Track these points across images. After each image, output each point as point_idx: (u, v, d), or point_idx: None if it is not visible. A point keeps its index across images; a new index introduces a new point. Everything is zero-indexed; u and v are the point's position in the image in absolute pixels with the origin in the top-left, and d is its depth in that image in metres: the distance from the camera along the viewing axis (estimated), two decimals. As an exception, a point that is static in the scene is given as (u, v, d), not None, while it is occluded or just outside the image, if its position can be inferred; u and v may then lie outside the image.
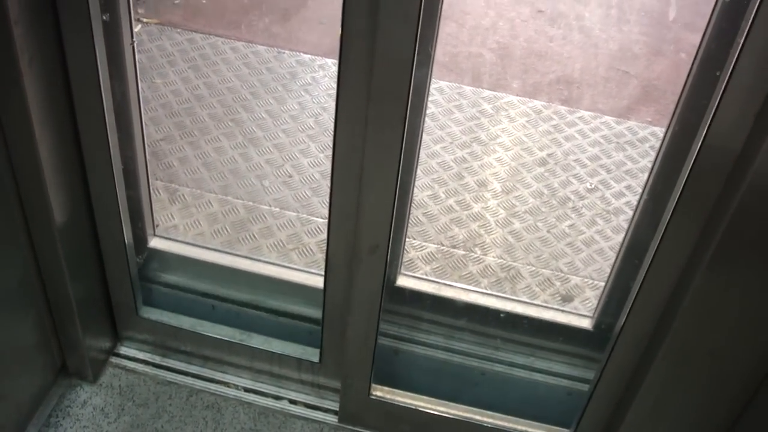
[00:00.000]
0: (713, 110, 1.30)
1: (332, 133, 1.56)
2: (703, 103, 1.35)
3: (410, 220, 1.98)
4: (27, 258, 1.76)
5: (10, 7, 1.39)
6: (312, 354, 2.00)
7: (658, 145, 1.53)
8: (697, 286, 1.44)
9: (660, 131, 3.11)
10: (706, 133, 1.32)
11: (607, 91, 3.41)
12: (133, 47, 1.71)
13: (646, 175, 1.59)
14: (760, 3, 1.17)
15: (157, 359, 2.11)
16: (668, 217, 1.45)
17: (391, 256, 1.71)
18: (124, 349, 2.14)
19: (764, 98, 1.26)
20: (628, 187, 2.86)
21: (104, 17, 1.58)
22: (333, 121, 1.53)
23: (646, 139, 3.11)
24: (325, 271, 1.79)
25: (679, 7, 4.16)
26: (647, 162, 2.97)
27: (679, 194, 1.41)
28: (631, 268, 1.69)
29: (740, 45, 1.22)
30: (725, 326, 1.49)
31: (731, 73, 1.25)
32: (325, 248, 1.76)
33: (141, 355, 2.12)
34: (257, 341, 2.04)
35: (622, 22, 3.94)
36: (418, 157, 1.74)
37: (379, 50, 1.39)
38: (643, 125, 3.19)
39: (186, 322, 2.06)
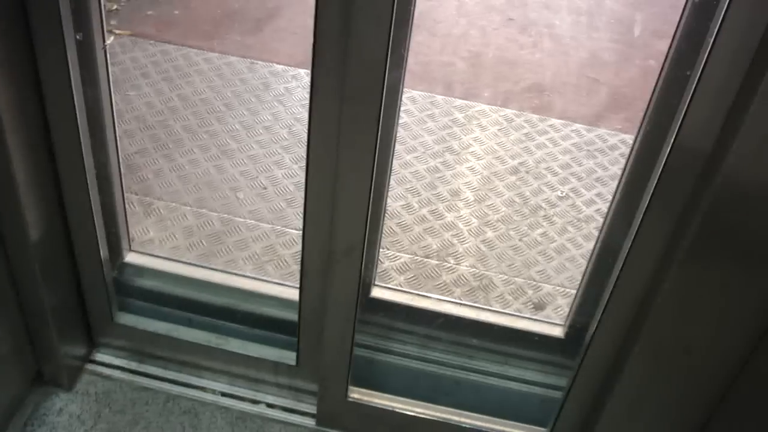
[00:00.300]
0: (684, 110, 1.33)
1: (306, 144, 1.58)
2: (674, 103, 1.38)
3: (384, 231, 2.01)
4: (0, 266, 1.77)
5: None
6: (289, 357, 2.01)
7: (627, 152, 1.57)
8: (669, 285, 1.47)
9: (629, 138, 3.16)
10: (677, 133, 1.35)
11: (577, 98, 3.45)
12: (105, 53, 1.71)
13: (615, 182, 1.63)
14: (729, 2, 1.21)
15: (134, 365, 2.12)
16: (641, 216, 1.48)
17: (366, 258, 1.72)
18: (99, 356, 2.14)
19: (735, 97, 1.29)
20: (599, 195, 2.90)
21: (77, 36, 1.60)
22: (306, 131, 1.56)
23: (615, 146, 3.15)
24: (301, 274, 1.80)
25: (648, 15, 4.21)
26: (617, 169, 3.01)
27: (651, 194, 1.44)
28: (602, 275, 1.72)
29: (710, 44, 1.25)
30: (699, 324, 1.52)
31: (701, 72, 1.28)
32: (300, 260, 1.78)
33: (117, 362, 2.13)
34: (234, 345, 2.05)
35: (591, 29, 3.99)
36: (393, 157, 1.75)
37: (353, 51, 1.41)
38: (613, 132, 3.24)
39: (162, 328, 2.07)
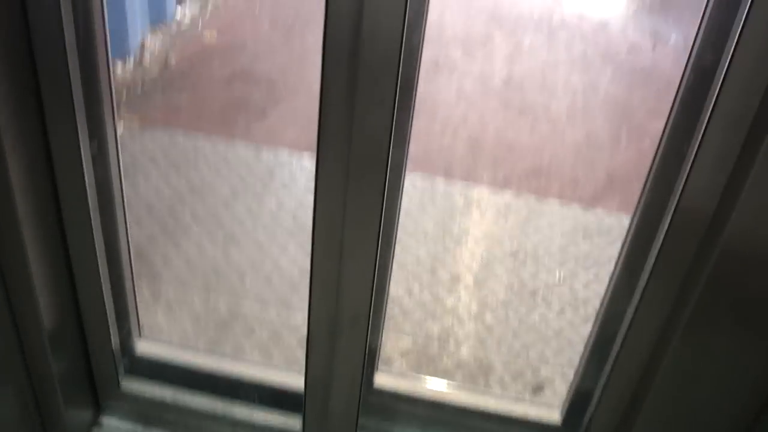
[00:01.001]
0: (685, 176, 1.38)
1: (311, 230, 1.64)
2: (671, 177, 1.44)
3: (386, 315, 2.07)
4: (9, 333, 1.82)
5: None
6: (294, 425, 2.06)
7: (623, 232, 1.63)
8: (673, 353, 1.50)
9: (626, 218, 3.24)
10: (678, 199, 1.41)
11: (574, 180, 3.54)
12: (117, 141, 1.80)
13: (613, 263, 1.69)
14: (727, 69, 1.28)
15: (140, 429, 2.16)
16: (643, 286, 1.53)
17: (371, 327, 1.78)
18: (106, 420, 2.17)
19: (735, 162, 1.34)
20: (596, 276, 2.97)
21: (91, 145, 1.70)
22: (311, 218, 1.62)
23: (612, 227, 3.24)
24: (307, 343, 1.85)
25: (643, 95, 4.33)
26: (614, 250, 3.09)
27: (653, 263, 1.49)
28: (600, 355, 1.78)
29: (709, 111, 1.32)
30: (702, 391, 1.55)
31: (701, 139, 1.34)
32: (305, 338, 1.83)
33: (123, 426, 2.16)
34: (240, 412, 2.10)
35: (587, 110, 4.10)
36: (396, 236, 1.82)
37: (356, 135, 1.48)
38: (610, 213, 3.32)
39: (168, 394, 2.12)
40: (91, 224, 1.78)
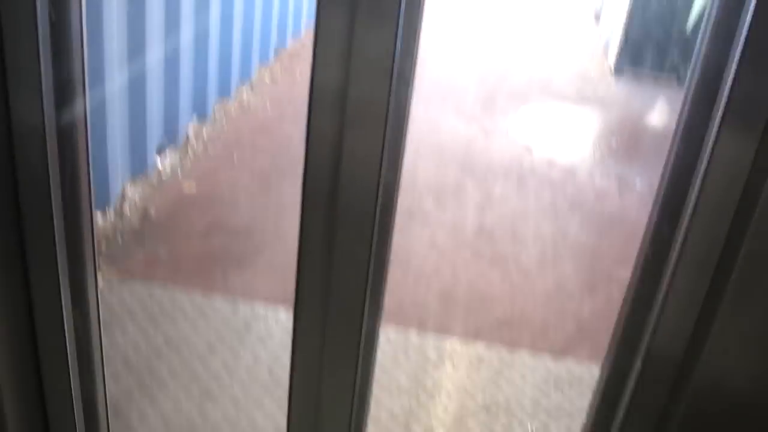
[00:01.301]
0: (654, 322, 1.44)
1: (287, 385, 1.69)
2: (639, 325, 1.49)
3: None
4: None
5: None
6: None
7: (593, 383, 1.68)
8: None
9: (595, 367, 3.30)
10: (648, 345, 1.46)
11: (544, 330, 3.62)
12: (97, 295, 1.86)
13: (584, 415, 1.74)
14: (692, 214, 1.36)
15: None
16: None
17: None
18: None
19: (701, 305, 1.41)
20: (568, 429, 3.01)
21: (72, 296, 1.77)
22: (288, 374, 1.67)
23: (582, 377, 3.30)
24: None
25: (610, 243, 4.46)
26: (585, 401, 3.14)
27: (624, 412, 1.54)
28: None
29: (674, 259, 1.38)
30: None
31: (670, 282, 1.41)
32: None
33: None
34: None
35: (557, 259, 4.22)
36: (371, 391, 1.86)
37: (333, 289, 1.56)
38: (580, 363, 3.39)
39: None
40: (69, 379, 1.83)
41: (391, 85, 1.40)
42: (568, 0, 10.41)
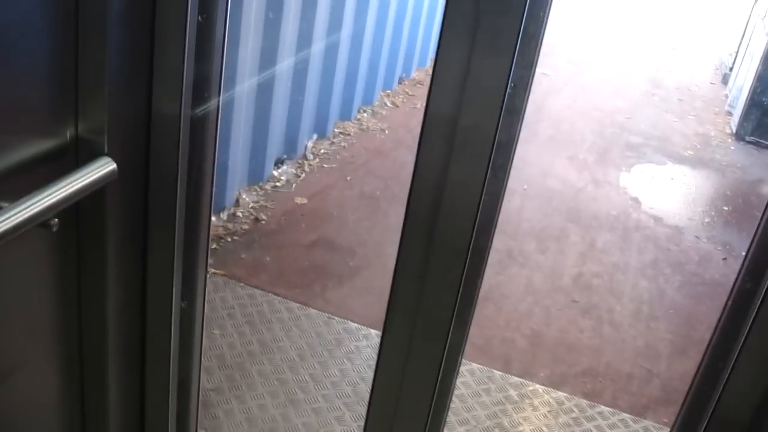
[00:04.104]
0: (724, 383, 1.48)
1: (367, 403, 1.77)
2: (713, 382, 1.53)
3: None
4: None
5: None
6: None
7: None
8: None
9: (675, 433, 3.30)
10: (715, 407, 1.50)
11: (628, 387, 3.63)
12: (204, 287, 1.99)
13: None
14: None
15: None
16: None
17: None
18: None
19: None
20: (638, 488, 3.03)
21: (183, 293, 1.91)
22: (369, 391, 1.75)
23: (660, 440, 3.30)
24: None
25: (707, 309, 4.42)
26: (660, 464, 3.15)
27: None
28: None
29: (754, 314, 1.42)
30: None
31: (744, 343, 1.44)
32: None
33: None
34: None
35: (651, 318, 4.21)
36: (448, 410, 1.90)
37: (421, 317, 1.63)
38: (659, 426, 3.39)
39: None
40: (169, 363, 1.95)
41: (500, 116, 1.47)
42: (696, 56, 10.30)
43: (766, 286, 1.43)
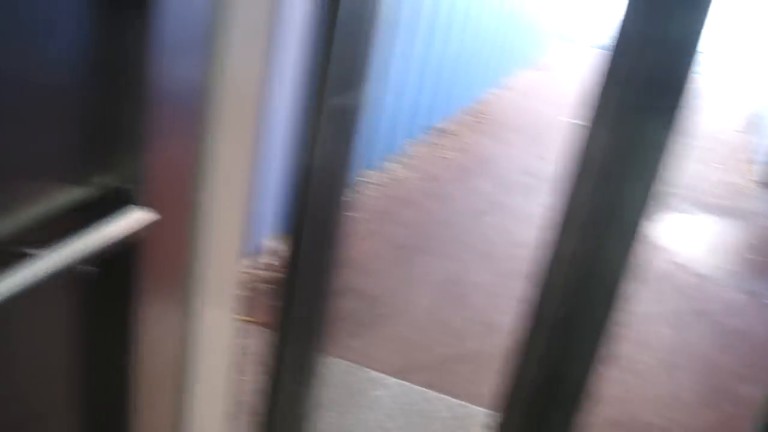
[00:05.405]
0: None
1: None
2: None
3: None
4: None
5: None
6: None
7: None
8: None
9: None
10: None
11: (651, 438, 3.61)
12: None
13: None
14: None
15: None
16: None
17: None
18: None
19: None
20: None
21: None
22: None
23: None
24: None
25: (732, 358, 4.40)
26: None
27: None
28: None
29: None
30: None
31: None
32: None
33: None
34: None
35: (674, 367, 4.19)
36: None
37: None
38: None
39: None
40: None
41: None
42: (721, 105, 10.32)
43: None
